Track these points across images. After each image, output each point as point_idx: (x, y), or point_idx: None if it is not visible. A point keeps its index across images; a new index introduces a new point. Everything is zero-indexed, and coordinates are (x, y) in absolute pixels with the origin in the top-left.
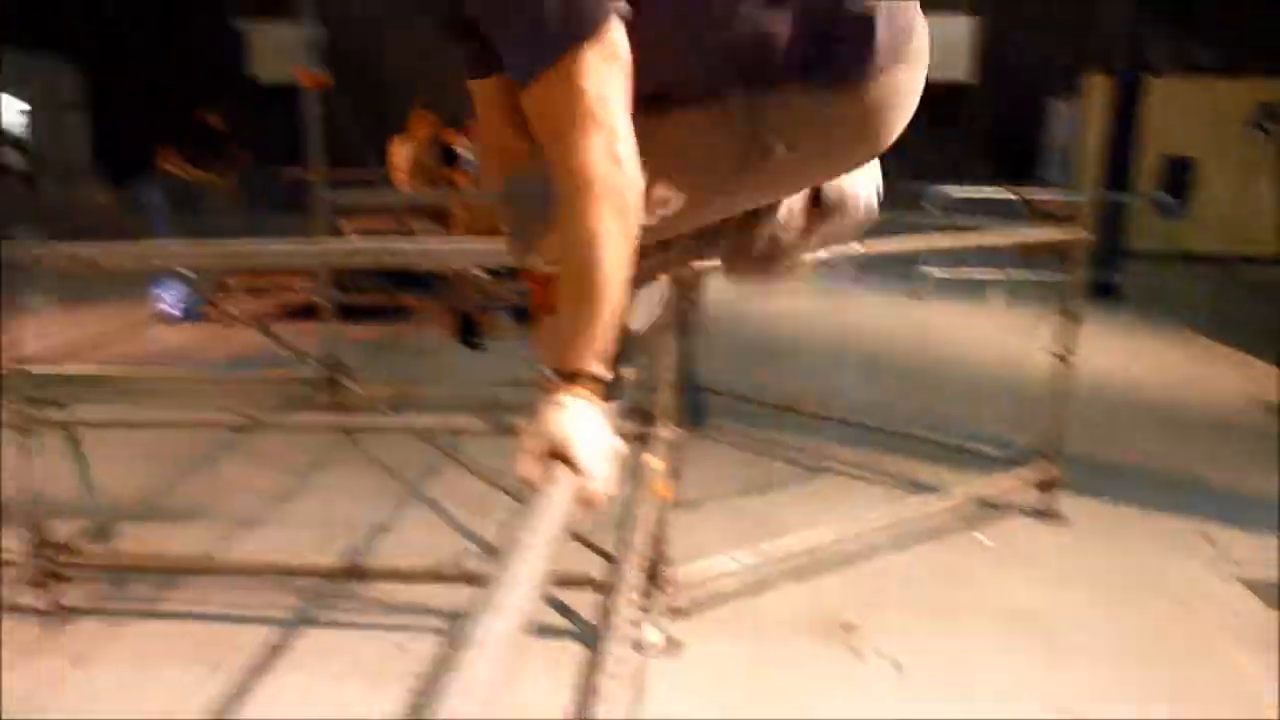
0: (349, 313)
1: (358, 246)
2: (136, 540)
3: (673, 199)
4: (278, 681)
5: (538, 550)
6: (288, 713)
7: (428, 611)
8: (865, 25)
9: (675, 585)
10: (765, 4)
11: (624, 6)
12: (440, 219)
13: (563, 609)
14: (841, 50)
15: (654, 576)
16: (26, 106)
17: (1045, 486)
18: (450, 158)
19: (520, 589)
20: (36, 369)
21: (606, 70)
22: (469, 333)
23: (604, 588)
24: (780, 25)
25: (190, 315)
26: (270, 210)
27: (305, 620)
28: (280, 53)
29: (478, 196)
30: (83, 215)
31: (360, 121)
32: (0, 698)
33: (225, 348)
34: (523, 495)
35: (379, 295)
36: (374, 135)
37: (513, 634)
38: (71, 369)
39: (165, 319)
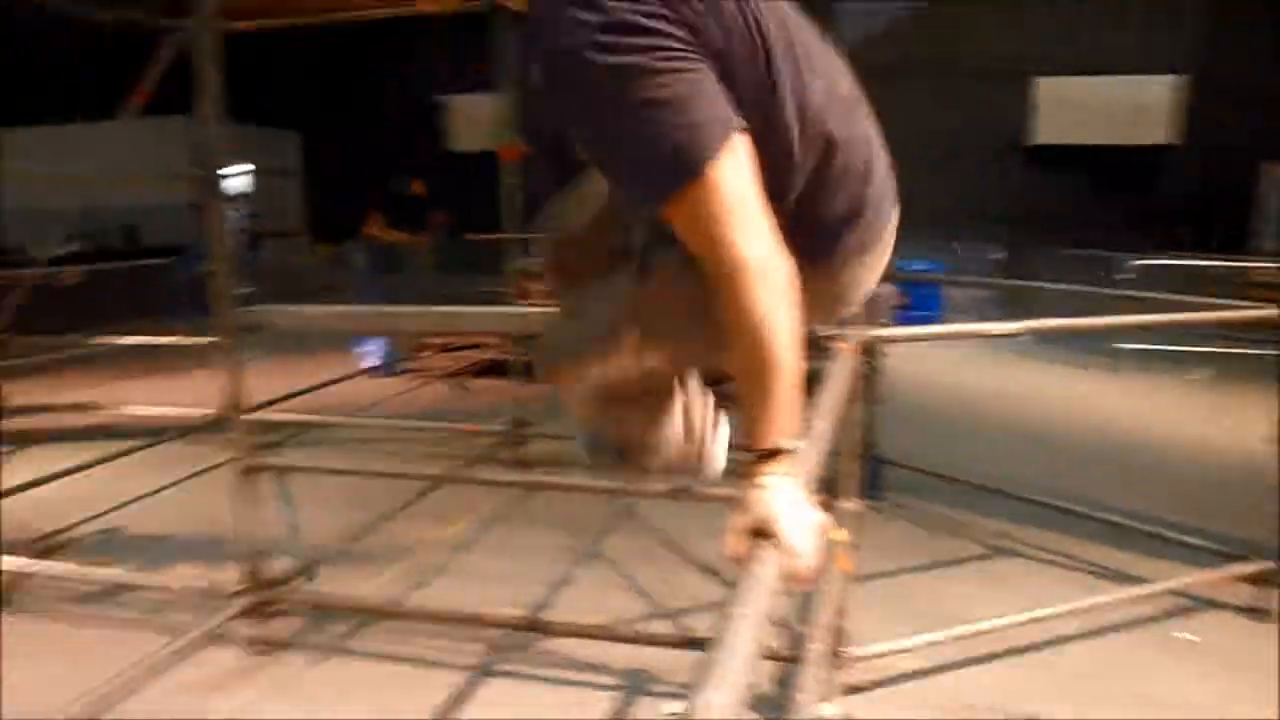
0: (533, 371)
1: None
2: (335, 581)
3: (655, 354)
4: None
5: (751, 625)
6: None
7: (602, 669)
8: (835, 234)
9: (852, 661)
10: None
11: (740, 120)
12: None
13: None
14: (812, 247)
15: (833, 651)
16: (250, 167)
17: (1257, 581)
18: None
19: (738, 663)
20: (254, 417)
21: (741, 172)
22: None
23: (782, 659)
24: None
25: (390, 369)
26: (464, 271)
27: (487, 670)
28: (478, 124)
29: None
30: (297, 274)
31: (551, 188)
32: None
33: (420, 401)
34: (689, 554)
35: None
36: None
37: (735, 706)
38: (281, 417)
39: (367, 372)
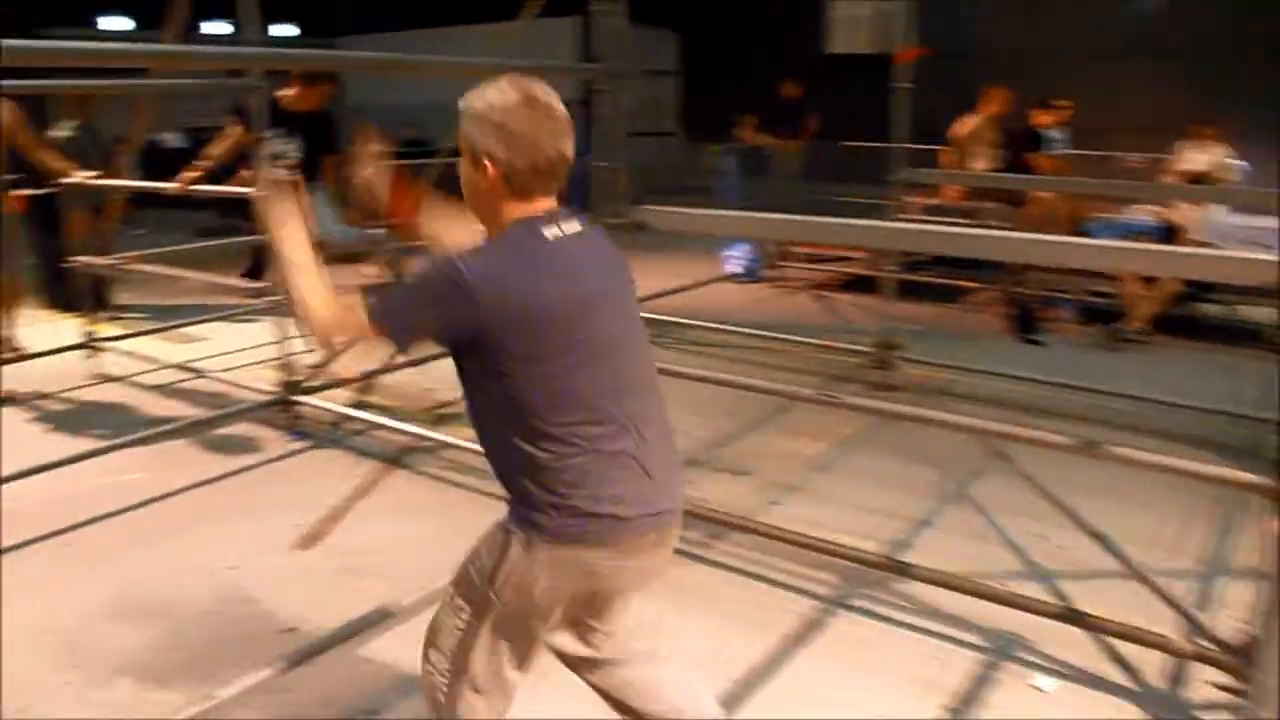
0: (904, 289)
1: (926, 231)
2: (691, 486)
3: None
4: (808, 658)
5: None
6: (811, 692)
7: (964, 624)
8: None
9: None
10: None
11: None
12: (1014, 201)
13: (1125, 666)
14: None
15: (1236, 649)
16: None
17: None
18: (1034, 139)
19: None
20: None
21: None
22: (1026, 326)
23: (1176, 653)
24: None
25: (753, 275)
26: (835, 179)
27: (840, 602)
28: (859, 26)
29: (1055, 184)
30: (657, 172)
31: (942, 96)
32: None
33: (781, 310)
34: (1071, 512)
35: (937, 275)
36: (956, 110)
37: None
38: (647, 316)
39: (732, 277)
